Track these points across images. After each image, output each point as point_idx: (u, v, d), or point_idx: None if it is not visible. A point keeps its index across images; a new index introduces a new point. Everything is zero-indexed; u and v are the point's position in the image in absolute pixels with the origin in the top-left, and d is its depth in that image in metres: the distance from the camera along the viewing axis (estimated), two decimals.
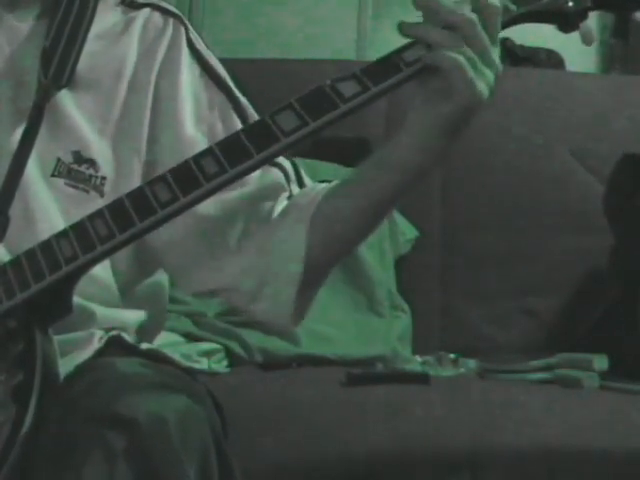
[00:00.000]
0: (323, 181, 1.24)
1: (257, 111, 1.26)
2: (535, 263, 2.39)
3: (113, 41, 1.29)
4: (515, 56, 3.28)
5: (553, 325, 2.37)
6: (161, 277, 1.32)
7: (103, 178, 1.23)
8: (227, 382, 1.85)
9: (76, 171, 1.22)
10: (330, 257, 1.21)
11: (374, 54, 1.10)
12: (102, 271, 1.22)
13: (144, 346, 1.24)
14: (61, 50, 1.24)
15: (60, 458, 0.97)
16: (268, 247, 1.19)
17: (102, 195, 1.22)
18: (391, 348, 2.19)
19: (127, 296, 1.27)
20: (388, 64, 1.07)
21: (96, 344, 1.20)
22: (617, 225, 2.28)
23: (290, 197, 1.23)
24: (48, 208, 1.21)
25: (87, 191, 1.22)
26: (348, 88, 1.06)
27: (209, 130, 1.25)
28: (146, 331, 1.29)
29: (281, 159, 1.24)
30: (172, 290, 1.36)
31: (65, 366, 1.11)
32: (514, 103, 2.50)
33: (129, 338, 1.23)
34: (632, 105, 2.53)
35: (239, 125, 1.23)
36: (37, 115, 1.22)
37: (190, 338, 2.08)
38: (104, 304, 1.23)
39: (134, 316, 1.28)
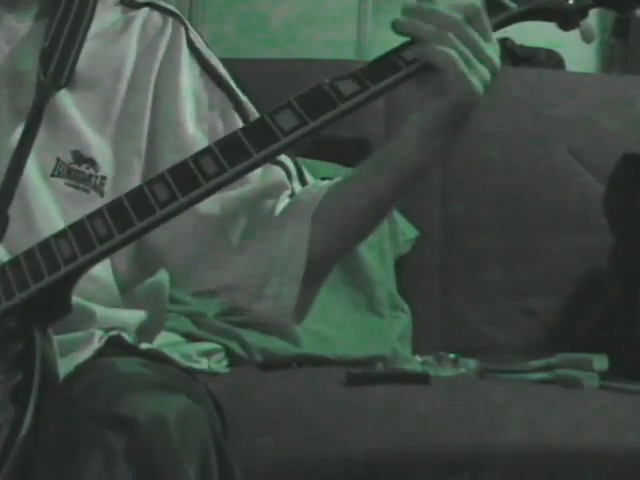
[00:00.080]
0: (325, 178, 1.24)
1: (257, 111, 1.26)
2: (535, 263, 2.39)
3: (112, 40, 1.29)
4: (515, 56, 3.28)
5: (553, 325, 2.37)
6: (161, 277, 1.32)
7: (103, 178, 1.23)
8: (227, 382, 1.85)
9: (76, 171, 1.22)
10: (332, 255, 1.21)
11: (374, 54, 1.10)
12: (102, 271, 1.22)
13: (144, 346, 1.24)
14: (60, 50, 1.24)
15: (60, 458, 0.97)
16: (270, 245, 1.19)
17: (102, 195, 1.22)
18: (391, 348, 2.19)
19: (127, 296, 1.27)
20: (387, 63, 1.07)
21: (96, 344, 1.19)
22: (617, 225, 2.28)
23: (292, 195, 1.23)
24: (48, 208, 1.21)
25: (87, 191, 1.22)
26: (347, 87, 1.06)
27: (210, 129, 1.25)
28: (146, 331, 1.29)
29: (283, 157, 1.24)
30: (172, 290, 1.35)
31: (65, 366, 1.11)
32: (514, 103, 2.50)
33: (129, 338, 1.23)
34: (632, 105, 2.54)
35: (240, 124, 1.23)
36: (36, 115, 1.22)
37: (190, 338, 2.08)
38: (104, 304, 1.23)
39: (134, 316, 1.28)
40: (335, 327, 2.19)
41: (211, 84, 1.29)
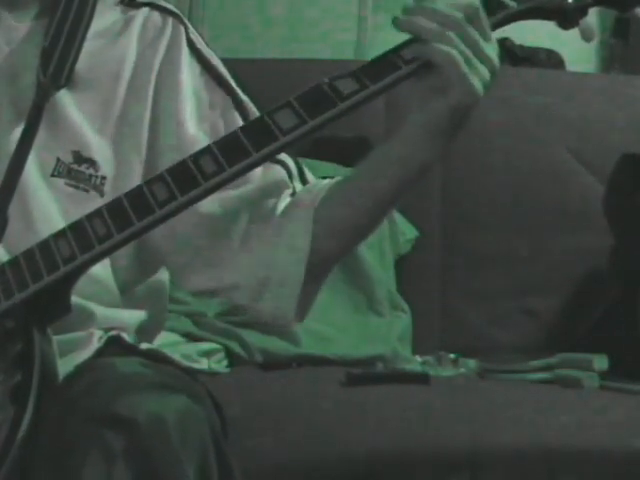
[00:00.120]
0: (325, 178, 1.24)
1: (257, 111, 1.26)
2: (535, 263, 2.39)
3: (112, 40, 1.29)
4: (515, 56, 3.27)
5: (553, 325, 2.37)
6: (162, 276, 1.32)
7: (103, 178, 1.23)
8: (227, 382, 1.85)
9: (76, 171, 1.22)
10: (332, 254, 1.21)
11: (374, 54, 1.10)
12: (102, 271, 1.22)
13: (144, 346, 1.24)
14: (60, 49, 1.24)
15: (59, 458, 0.97)
16: (271, 244, 1.19)
17: (102, 195, 1.22)
18: (391, 348, 2.19)
19: (127, 296, 1.26)
20: (386, 62, 1.07)
21: (95, 344, 1.20)
22: (617, 225, 2.28)
23: (293, 194, 1.23)
24: (47, 208, 1.21)
25: (87, 191, 1.22)
26: (346, 86, 1.06)
27: (211, 129, 1.25)
28: (146, 331, 1.29)
29: (284, 156, 1.24)
30: (172, 290, 1.36)
31: (64, 366, 1.11)
32: (514, 103, 2.50)
33: (128, 338, 1.23)
34: (632, 105, 2.54)
35: (241, 123, 1.23)
36: (36, 115, 1.21)
37: (190, 338, 2.08)
38: (104, 304, 1.23)
39: (134, 316, 1.28)
40: (335, 327, 2.19)
41: (211, 83, 1.28)
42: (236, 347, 2.08)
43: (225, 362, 2.07)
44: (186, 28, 1.31)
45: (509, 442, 1.61)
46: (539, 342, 2.34)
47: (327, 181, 1.22)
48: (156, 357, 1.20)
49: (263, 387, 1.83)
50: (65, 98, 1.24)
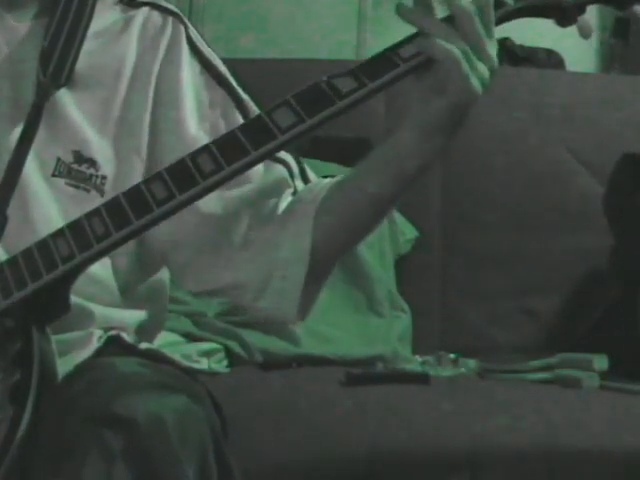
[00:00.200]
0: (326, 176, 1.24)
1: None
2: (535, 263, 2.39)
3: (112, 40, 1.29)
4: (515, 56, 3.28)
5: (553, 325, 2.37)
6: (162, 276, 1.32)
7: (103, 177, 1.22)
8: (227, 382, 1.85)
9: (76, 171, 1.22)
10: (333, 252, 1.21)
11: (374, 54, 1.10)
12: (102, 270, 1.22)
13: (143, 346, 1.24)
14: (60, 49, 1.24)
15: (58, 458, 0.97)
16: (273, 244, 1.19)
17: (102, 194, 1.22)
18: (391, 348, 2.19)
19: (128, 295, 1.26)
20: (384, 60, 1.07)
21: (95, 344, 1.20)
22: (617, 225, 2.28)
23: (294, 193, 1.23)
24: (48, 208, 1.20)
25: (88, 190, 1.22)
26: (345, 84, 1.06)
27: (212, 128, 1.25)
28: (146, 331, 1.29)
29: (285, 155, 1.24)
30: (172, 290, 1.36)
31: (64, 365, 1.11)
32: (514, 103, 2.50)
33: (128, 338, 1.23)
34: (632, 105, 2.53)
35: (241, 122, 1.23)
36: (36, 114, 1.21)
37: (190, 338, 2.08)
38: (103, 304, 1.23)
39: (133, 316, 1.28)
40: (335, 327, 2.19)
41: (212, 82, 1.28)
42: (236, 347, 2.08)
43: (225, 362, 2.07)
44: (186, 28, 1.31)
45: (509, 442, 1.61)
46: (539, 342, 2.34)
47: (328, 180, 1.22)
48: (156, 357, 1.20)
49: (263, 387, 1.83)
50: (65, 98, 1.24)
